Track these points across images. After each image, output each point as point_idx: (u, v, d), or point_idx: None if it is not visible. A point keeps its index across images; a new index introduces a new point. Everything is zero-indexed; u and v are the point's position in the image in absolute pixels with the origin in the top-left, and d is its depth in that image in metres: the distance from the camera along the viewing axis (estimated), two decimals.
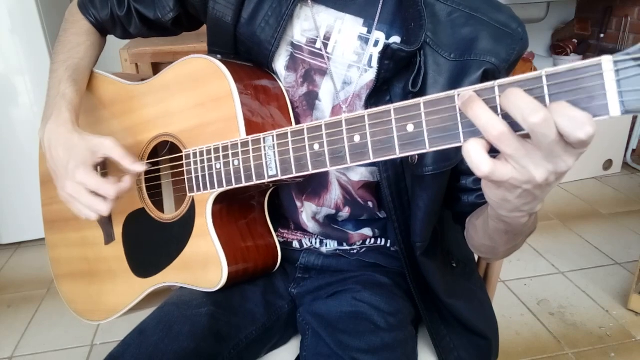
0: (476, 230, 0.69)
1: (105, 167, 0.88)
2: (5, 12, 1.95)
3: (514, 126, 0.43)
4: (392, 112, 0.50)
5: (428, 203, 0.72)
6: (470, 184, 0.73)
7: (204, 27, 0.87)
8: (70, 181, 0.73)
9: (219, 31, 0.79)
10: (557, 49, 3.07)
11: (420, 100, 0.48)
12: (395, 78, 0.69)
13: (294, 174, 0.61)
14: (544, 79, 0.41)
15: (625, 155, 2.81)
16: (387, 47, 0.65)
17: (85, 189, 0.73)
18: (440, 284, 0.77)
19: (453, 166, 0.70)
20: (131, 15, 0.88)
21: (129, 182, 0.75)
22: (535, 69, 2.98)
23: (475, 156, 0.44)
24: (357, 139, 0.53)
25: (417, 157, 0.68)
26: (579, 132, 0.39)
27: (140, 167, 0.74)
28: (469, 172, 0.72)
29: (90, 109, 0.91)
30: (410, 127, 0.49)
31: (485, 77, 0.67)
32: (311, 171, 0.59)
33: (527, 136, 0.43)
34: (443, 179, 0.71)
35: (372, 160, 0.53)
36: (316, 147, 0.58)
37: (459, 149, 0.46)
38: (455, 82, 0.67)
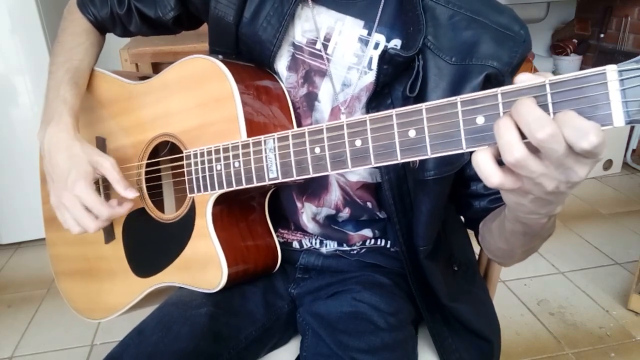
0: (491, 233, 0.68)
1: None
2: (5, 12, 1.95)
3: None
4: (394, 117, 0.50)
5: (430, 207, 0.71)
6: (480, 189, 0.72)
7: (205, 27, 0.87)
8: (69, 192, 0.74)
9: (220, 30, 0.79)
10: (557, 49, 3.08)
11: (422, 105, 0.48)
12: (396, 81, 0.69)
13: (295, 177, 0.61)
14: (548, 87, 0.41)
15: (625, 155, 2.81)
16: (385, 51, 0.65)
17: (80, 202, 0.73)
18: (442, 287, 0.77)
19: (455, 171, 0.70)
20: (131, 14, 0.88)
21: (126, 208, 0.76)
22: (536, 69, 2.97)
23: (484, 167, 0.43)
24: (358, 143, 0.53)
25: (418, 161, 0.68)
26: (583, 142, 0.39)
27: (131, 194, 0.75)
28: (478, 178, 0.72)
29: (90, 107, 0.91)
30: (412, 133, 0.49)
31: (488, 81, 0.66)
32: (312, 174, 0.59)
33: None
34: (445, 182, 0.71)
35: (374, 165, 0.53)
36: (317, 150, 0.58)
37: (461, 154, 0.46)
38: (457, 86, 0.66)
